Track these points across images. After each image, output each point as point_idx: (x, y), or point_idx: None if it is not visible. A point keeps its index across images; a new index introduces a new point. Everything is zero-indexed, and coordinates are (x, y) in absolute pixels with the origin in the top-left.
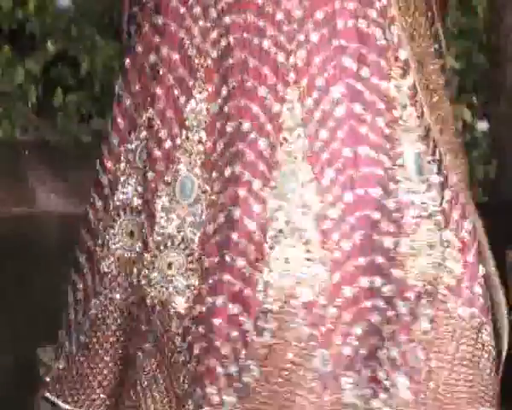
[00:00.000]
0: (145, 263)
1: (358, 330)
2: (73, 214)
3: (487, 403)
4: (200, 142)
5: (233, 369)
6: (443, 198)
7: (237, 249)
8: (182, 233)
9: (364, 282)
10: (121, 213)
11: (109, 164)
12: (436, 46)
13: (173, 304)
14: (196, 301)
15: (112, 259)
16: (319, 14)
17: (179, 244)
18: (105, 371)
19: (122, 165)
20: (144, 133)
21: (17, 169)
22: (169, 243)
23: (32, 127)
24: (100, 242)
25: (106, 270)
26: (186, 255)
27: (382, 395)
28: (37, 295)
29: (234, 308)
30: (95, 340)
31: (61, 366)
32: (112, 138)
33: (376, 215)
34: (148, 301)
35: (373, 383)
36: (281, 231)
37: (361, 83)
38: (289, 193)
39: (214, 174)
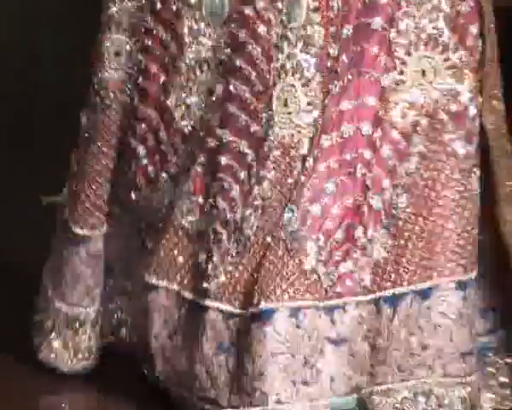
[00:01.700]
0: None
1: (332, 187)
2: None
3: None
4: None
5: (238, 214)
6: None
7: (242, 78)
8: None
9: (347, 130)
10: None
11: None
12: None
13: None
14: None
15: None
16: None
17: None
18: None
19: None
20: None
21: None
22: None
23: None
24: None
25: None
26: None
27: (359, 257)
28: None
29: (240, 145)
30: None
31: None
32: None
33: (375, 49)
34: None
35: (348, 244)
36: (283, 66)
37: None
38: (292, 20)
39: None
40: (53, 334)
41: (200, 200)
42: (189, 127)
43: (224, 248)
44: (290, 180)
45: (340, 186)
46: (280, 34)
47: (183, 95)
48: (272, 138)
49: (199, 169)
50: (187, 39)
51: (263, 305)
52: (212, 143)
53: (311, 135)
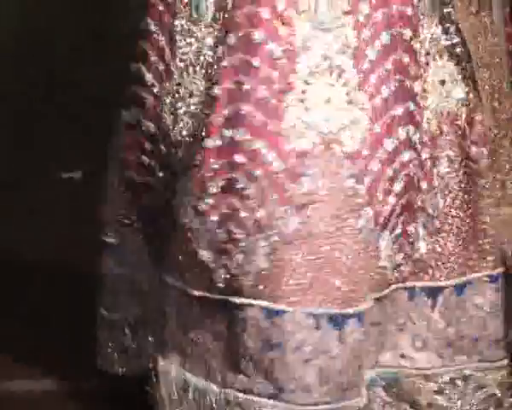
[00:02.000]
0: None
1: (398, 187)
2: None
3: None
4: None
5: (261, 213)
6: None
7: (258, 77)
8: (201, 57)
9: (402, 133)
10: None
11: None
12: None
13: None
14: (209, 133)
15: None
16: None
17: (200, 70)
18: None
19: None
20: None
21: None
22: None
23: None
24: None
25: None
26: (206, 81)
27: (408, 250)
28: None
29: (256, 143)
30: None
31: None
32: None
33: (406, 59)
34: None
35: (402, 239)
36: (317, 66)
37: None
38: (326, 22)
39: None
40: (103, 342)
41: (195, 199)
42: (184, 132)
43: (247, 246)
44: (343, 178)
45: (404, 185)
46: (305, 35)
47: (174, 101)
48: (312, 135)
49: (195, 170)
50: (178, 39)
51: (359, 306)
52: (216, 141)
53: (354, 134)
